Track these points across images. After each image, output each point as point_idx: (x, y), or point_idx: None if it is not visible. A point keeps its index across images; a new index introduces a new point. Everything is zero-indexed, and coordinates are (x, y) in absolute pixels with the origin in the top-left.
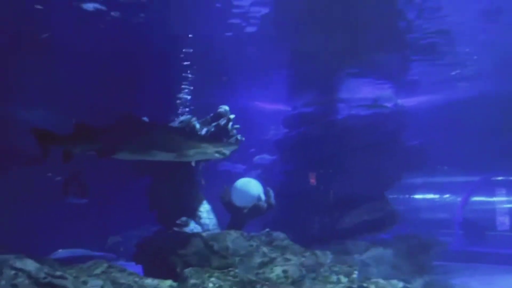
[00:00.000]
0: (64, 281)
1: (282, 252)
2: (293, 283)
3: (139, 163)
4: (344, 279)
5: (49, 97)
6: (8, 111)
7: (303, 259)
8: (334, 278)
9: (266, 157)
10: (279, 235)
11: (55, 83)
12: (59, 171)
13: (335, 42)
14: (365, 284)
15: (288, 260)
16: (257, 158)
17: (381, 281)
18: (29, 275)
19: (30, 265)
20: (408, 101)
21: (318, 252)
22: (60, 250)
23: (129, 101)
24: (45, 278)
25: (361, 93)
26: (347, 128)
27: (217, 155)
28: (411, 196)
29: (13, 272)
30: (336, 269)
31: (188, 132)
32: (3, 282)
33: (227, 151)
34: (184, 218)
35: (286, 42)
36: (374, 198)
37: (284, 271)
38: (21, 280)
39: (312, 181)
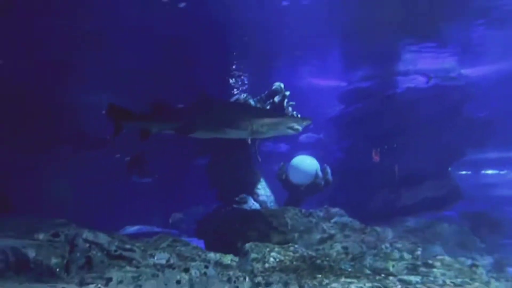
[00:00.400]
0: (133, 254)
1: (341, 228)
2: (353, 259)
3: (199, 143)
4: (407, 256)
5: (113, 81)
6: (75, 97)
7: (363, 235)
8: (396, 255)
9: (312, 136)
10: (337, 211)
11: (120, 68)
12: (126, 152)
13: (394, 10)
14: (430, 261)
15: (348, 236)
16: (303, 137)
17: (447, 258)
18: (101, 248)
19: (102, 238)
20: (473, 71)
21: (378, 229)
22: (127, 227)
23: (186, 82)
24: (116, 251)
25: (421, 65)
26: (407, 102)
27: (290, 131)
28: (483, 172)
29: (87, 244)
30: (398, 246)
31: (261, 109)
32: (78, 254)
33: (300, 126)
34: (242, 195)
35: (342, 13)
36: (437, 174)
37: (344, 248)
38: (94, 252)
39: (376, 157)
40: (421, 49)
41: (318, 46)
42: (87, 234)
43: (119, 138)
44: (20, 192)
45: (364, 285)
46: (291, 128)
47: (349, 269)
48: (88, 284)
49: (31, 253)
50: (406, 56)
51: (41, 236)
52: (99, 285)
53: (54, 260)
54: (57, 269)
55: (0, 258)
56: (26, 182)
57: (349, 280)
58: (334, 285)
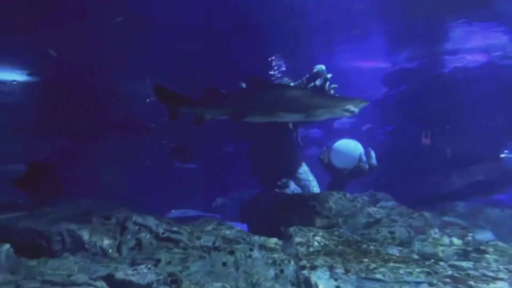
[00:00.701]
0: (180, 236)
1: (388, 213)
2: (400, 244)
3: (241, 128)
4: (457, 242)
5: (155, 69)
6: (122, 85)
7: (410, 220)
8: (446, 240)
9: (345, 121)
10: (383, 196)
11: (162, 56)
12: (172, 139)
13: None
14: (482, 247)
15: (394, 221)
16: (337, 122)
17: (499, 243)
18: (150, 230)
19: (150, 221)
20: None
21: (426, 214)
22: (173, 211)
23: (225, 68)
24: (163, 233)
25: (471, 43)
26: (456, 82)
27: (346, 113)
28: None
29: (136, 227)
30: (448, 231)
31: (316, 92)
32: (128, 236)
33: (357, 108)
34: (284, 180)
35: None
36: (488, 157)
37: (391, 232)
38: (144, 234)
39: (426, 140)
40: (472, 25)
41: (360, 26)
42: (136, 217)
43: (167, 125)
44: (71, 177)
45: (414, 270)
46: (347, 110)
47: (397, 254)
48: (139, 264)
49: (85, 235)
50: (454, 34)
51: (94, 219)
52: (149, 266)
53: (106, 242)
54: (110, 250)
55: (57, 239)
56: (77, 167)
57: (397, 265)
58: (382, 269)
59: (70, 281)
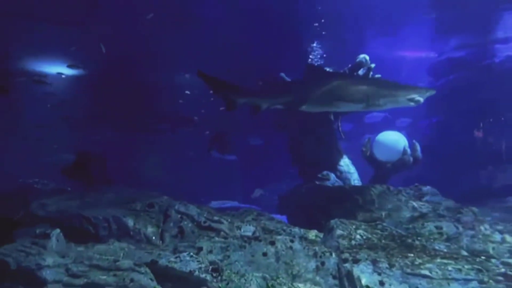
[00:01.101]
0: (221, 225)
1: (434, 207)
2: (448, 240)
3: (280, 119)
4: (510, 239)
5: (199, 62)
6: (169, 77)
7: (458, 215)
8: (497, 237)
9: (376, 115)
10: (429, 190)
11: (206, 49)
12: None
13: None
14: None
15: (441, 216)
16: (368, 116)
17: None
18: (192, 219)
19: (192, 210)
20: None
21: (476, 209)
22: (213, 202)
23: (265, 59)
24: (205, 222)
25: None
26: (508, 72)
27: (411, 103)
28: None
29: (178, 215)
30: (499, 227)
31: (377, 80)
32: (171, 224)
33: (422, 97)
34: (325, 172)
35: None
36: None
37: (438, 227)
38: (186, 223)
39: (478, 133)
40: None
41: (405, 14)
42: (178, 206)
43: (207, 117)
44: (117, 166)
45: (463, 267)
46: (412, 100)
47: (444, 250)
48: (181, 252)
49: (130, 222)
50: (506, 22)
51: (138, 206)
52: (191, 254)
53: (150, 229)
54: (153, 237)
55: (103, 226)
56: (123, 158)
57: (445, 261)
58: (428, 265)
59: (116, 266)
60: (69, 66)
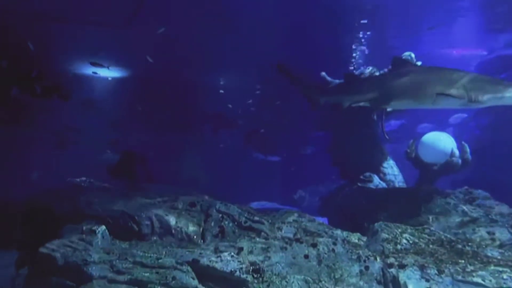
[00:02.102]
0: (262, 226)
1: (486, 212)
2: (501, 246)
3: (321, 119)
4: None
5: (240, 62)
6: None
7: None
8: None
9: (392, 123)
10: (481, 193)
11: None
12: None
13: None
14: None
15: (494, 221)
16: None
17: None
18: (233, 219)
19: (233, 210)
20: None
21: None
22: (252, 203)
23: (308, 57)
24: (245, 222)
25: None
26: None
27: None
28: None
29: (219, 215)
30: None
31: (477, 75)
32: (212, 223)
33: None
34: (368, 174)
35: None
36: None
37: (490, 233)
38: (227, 222)
39: None
40: None
41: (452, 9)
42: (219, 205)
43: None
44: (159, 165)
45: None
46: None
47: (498, 257)
48: (222, 252)
49: (172, 221)
50: None
51: (180, 205)
52: (232, 254)
53: (191, 228)
54: (195, 236)
55: (146, 224)
56: (165, 158)
57: (499, 268)
58: (481, 273)
59: (158, 264)
60: (92, 64)
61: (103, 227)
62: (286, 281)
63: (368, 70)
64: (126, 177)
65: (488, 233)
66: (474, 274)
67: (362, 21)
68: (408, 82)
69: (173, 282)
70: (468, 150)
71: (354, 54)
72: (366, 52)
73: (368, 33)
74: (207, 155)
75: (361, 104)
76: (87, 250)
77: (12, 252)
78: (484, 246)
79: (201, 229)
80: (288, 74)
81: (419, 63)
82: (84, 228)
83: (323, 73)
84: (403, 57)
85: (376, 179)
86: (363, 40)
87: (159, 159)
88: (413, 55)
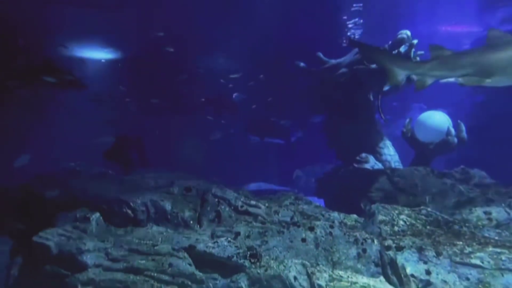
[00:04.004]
0: (259, 210)
1: (483, 191)
2: (498, 226)
3: (316, 101)
4: None
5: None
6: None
7: (510, 199)
8: None
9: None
10: (477, 172)
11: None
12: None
13: None
14: None
15: (491, 200)
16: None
17: None
18: (229, 203)
19: (229, 194)
20: None
21: None
22: (250, 184)
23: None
24: (242, 206)
25: None
26: None
27: None
28: None
29: (216, 200)
30: None
31: None
32: (208, 208)
33: None
34: (364, 155)
35: None
36: None
37: (487, 213)
38: (223, 207)
39: None
40: None
41: None
42: (215, 190)
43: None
44: (155, 149)
45: None
46: None
47: (496, 238)
48: (219, 237)
49: (168, 206)
50: None
51: (175, 190)
52: (229, 239)
53: (187, 213)
54: (191, 222)
55: (142, 210)
56: (161, 141)
57: (497, 249)
58: (479, 254)
59: (154, 250)
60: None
61: (97, 214)
62: (284, 265)
63: None
64: (120, 161)
65: (485, 212)
66: (472, 255)
67: (355, 5)
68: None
69: (170, 269)
70: (463, 128)
71: (350, 33)
72: (361, 29)
73: (362, 20)
74: (204, 137)
75: (452, 80)
76: (81, 238)
77: (6, 239)
78: (481, 227)
79: (197, 214)
80: (363, 45)
81: (415, 41)
82: (78, 215)
83: (319, 53)
84: (399, 36)
85: (372, 160)
86: (356, 23)
87: (155, 142)
88: (409, 34)
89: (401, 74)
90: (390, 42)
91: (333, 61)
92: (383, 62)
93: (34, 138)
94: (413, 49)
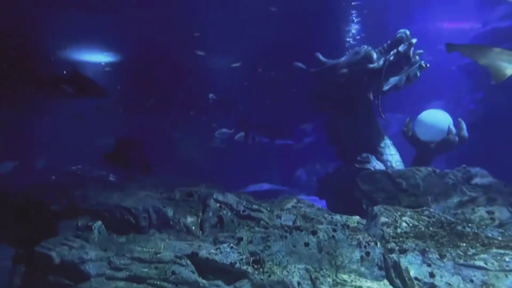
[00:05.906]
0: (261, 214)
1: (485, 191)
2: (500, 226)
3: (317, 99)
4: None
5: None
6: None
7: None
8: None
9: None
10: (479, 171)
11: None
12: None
13: None
14: None
15: (493, 199)
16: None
17: None
18: (231, 208)
19: (230, 199)
20: None
21: None
22: (250, 186)
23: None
24: (244, 211)
25: None
26: None
27: None
28: None
29: (217, 205)
30: None
31: None
32: (210, 213)
33: None
34: (365, 155)
35: None
36: None
37: (489, 212)
38: (225, 212)
39: None
40: None
41: None
42: (217, 195)
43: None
44: (156, 154)
45: None
46: None
47: (499, 238)
48: (221, 242)
49: (170, 212)
50: None
51: (177, 196)
52: (231, 245)
53: (189, 219)
54: (193, 227)
55: (143, 216)
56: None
57: (501, 251)
58: (483, 256)
59: (157, 258)
60: None
61: (99, 222)
62: (287, 271)
63: (364, 49)
64: (120, 164)
65: (488, 212)
66: (476, 257)
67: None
68: None
69: (173, 277)
70: (464, 126)
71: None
72: (361, 29)
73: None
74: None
75: None
76: (83, 247)
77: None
78: (484, 227)
79: (199, 220)
80: (462, 46)
81: (414, 40)
82: (79, 224)
83: (318, 54)
84: (398, 36)
85: (373, 160)
86: (358, 21)
87: (155, 145)
88: (408, 33)
89: (507, 68)
90: (388, 42)
91: (332, 62)
92: (488, 59)
93: (36, 141)
94: (412, 48)
